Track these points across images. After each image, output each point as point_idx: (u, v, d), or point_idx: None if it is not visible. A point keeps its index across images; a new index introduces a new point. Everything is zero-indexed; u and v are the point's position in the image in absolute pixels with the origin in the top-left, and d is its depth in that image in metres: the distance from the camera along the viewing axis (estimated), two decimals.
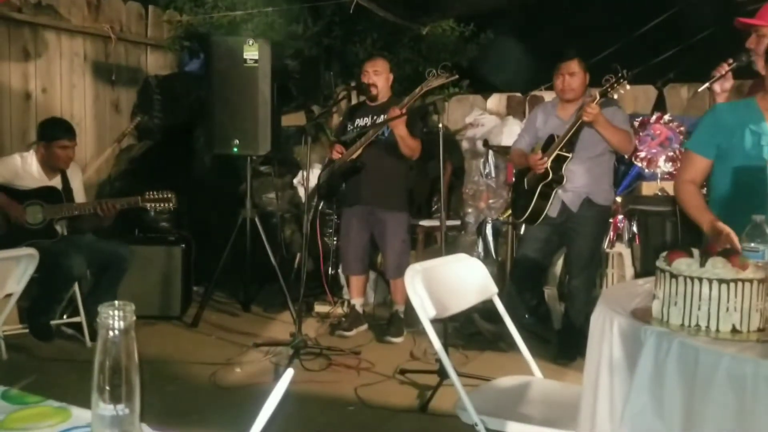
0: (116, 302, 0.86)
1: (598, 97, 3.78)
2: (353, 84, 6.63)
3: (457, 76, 4.18)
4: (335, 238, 5.18)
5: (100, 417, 0.85)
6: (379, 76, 4.51)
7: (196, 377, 3.78)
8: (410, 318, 4.31)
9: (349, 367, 3.95)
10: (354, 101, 6.39)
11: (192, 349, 4.25)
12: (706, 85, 3.13)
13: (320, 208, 5.16)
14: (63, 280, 4.04)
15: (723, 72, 3.05)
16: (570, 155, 3.95)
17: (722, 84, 3.09)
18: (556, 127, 4.06)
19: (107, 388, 0.85)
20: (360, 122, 4.57)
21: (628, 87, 3.77)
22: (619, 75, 3.73)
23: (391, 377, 3.82)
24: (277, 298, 4.85)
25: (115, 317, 0.84)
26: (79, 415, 1.13)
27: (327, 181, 4.61)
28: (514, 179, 4.46)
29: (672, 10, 5.84)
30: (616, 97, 3.81)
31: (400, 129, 4.24)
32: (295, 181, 5.83)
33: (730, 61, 3.05)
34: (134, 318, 0.86)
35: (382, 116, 4.38)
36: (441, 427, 3.17)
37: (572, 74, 3.97)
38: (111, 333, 0.85)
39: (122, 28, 6.05)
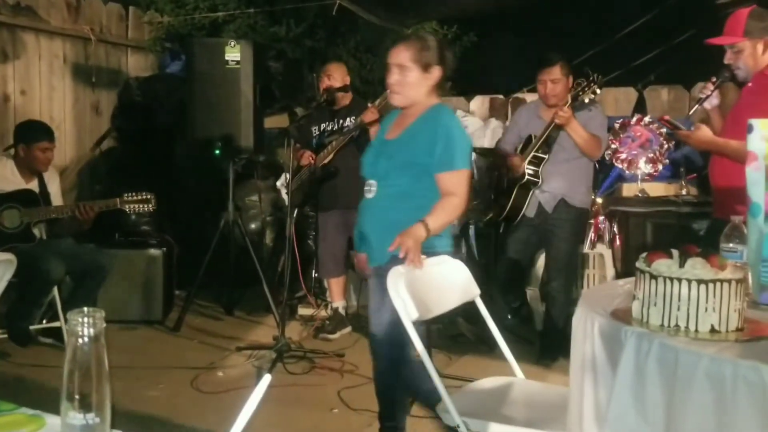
0: (85, 309, 0.84)
1: (569, 101, 3.80)
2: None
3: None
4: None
5: (70, 426, 0.84)
6: (333, 80, 4.51)
7: (178, 382, 3.74)
8: None
9: (332, 370, 3.94)
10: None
11: (174, 354, 4.21)
12: (696, 107, 3.17)
13: (300, 211, 5.13)
14: (41, 285, 3.99)
15: (709, 92, 3.09)
16: (546, 156, 3.98)
17: (710, 102, 3.14)
18: (536, 128, 4.08)
19: (77, 396, 0.83)
20: (326, 126, 4.56)
21: (599, 91, 3.81)
22: (590, 79, 3.74)
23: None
24: (260, 302, 4.82)
25: (84, 324, 0.83)
26: (54, 422, 1.11)
27: (300, 188, 4.60)
28: (496, 181, 4.48)
29: (652, 13, 5.88)
30: (587, 101, 3.83)
31: (376, 127, 4.25)
32: (278, 183, 5.80)
33: (714, 79, 3.09)
34: (104, 325, 0.84)
35: (348, 119, 4.39)
36: (424, 429, 3.17)
37: (555, 81, 3.94)
38: (80, 340, 0.83)
39: (102, 30, 6.00)
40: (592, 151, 3.96)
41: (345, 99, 4.54)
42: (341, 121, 4.46)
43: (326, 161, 4.43)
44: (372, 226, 2.61)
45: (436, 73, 2.58)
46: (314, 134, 4.60)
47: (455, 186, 2.50)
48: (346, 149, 4.40)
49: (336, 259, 4.65)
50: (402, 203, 2.53)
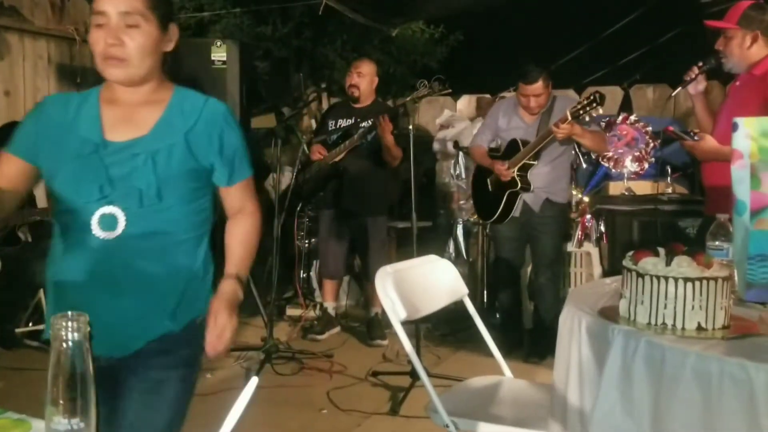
0: (69, 313, 0.83)
1: (569, 117, 3.72)
2: (323, 85, 6.63)
3: (450, 91, 4.15)
4: (306, 241, 5.15)
5: None
6: (362, 78, 4.50)
7: None
8: (386, 319, 4.30)
9: (321, 371, 3.93)
10: (324, 102, 6.38)
11: None
12: (679, 89, 3.18)
13: (291, 211, 5.12)
14: (27, 288, 3.96)
15: (693, 75, 3.10)
16: (535, 162, 4.00)
17: (695, 86, 3.15)
18: (519, 130, 4.09)
19: (61, 401, 0.82)
20: (343, 123, 4.55)
21: (600, 110, 3.82)
22: (591, 99, 3.69)
23: (364, 380, 3.81)
24: (248, 302, 4.78)
25: (68, 328, 0.82)
26: (40, 427, 1.10)
27: (307, 182, 4.59)
28: (474, 177, 4.46)
29: (638, 12, 5.92)
30: (587, 119, 3.85)
31: (389, 138, 4.24)
32: (265, 183, 5.79)
33: (701, 64, 3.11)
34: (89, 329, 0.84)
35: (365, 119, 4.37)
36: (413, 429, 3.17)
37: (539, 95, 3.98)
38: (64, 345, 0.82)
39: (87, 30, 5.93)
40: (602, 146, 4.09)
41: (368, 98, 4.54)
42: (359, 120, 4.43)
43: (337, 159, 4.42)
44: (119, 288, 1.56)
45: (174, 34, 1.69)
46: (329, 128, 4.59)
47: (252, 197, 1.78)
48: (356, 150, 4.39)
49: (337, 260, 4.64)
50: (173, 238, 1.61)
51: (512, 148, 4.06)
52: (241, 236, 1.77)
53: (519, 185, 4.00)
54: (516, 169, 4.00)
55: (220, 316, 1.61)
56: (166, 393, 1.66)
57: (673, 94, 3.31)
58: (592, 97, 3.70)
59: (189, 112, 1.67)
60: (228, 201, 1.74)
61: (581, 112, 3.72)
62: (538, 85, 3.96)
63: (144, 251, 1.56)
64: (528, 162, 3.99)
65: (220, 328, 1.60)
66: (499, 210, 4.09)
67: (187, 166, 1.61)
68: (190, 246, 1.66)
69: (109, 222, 1.54)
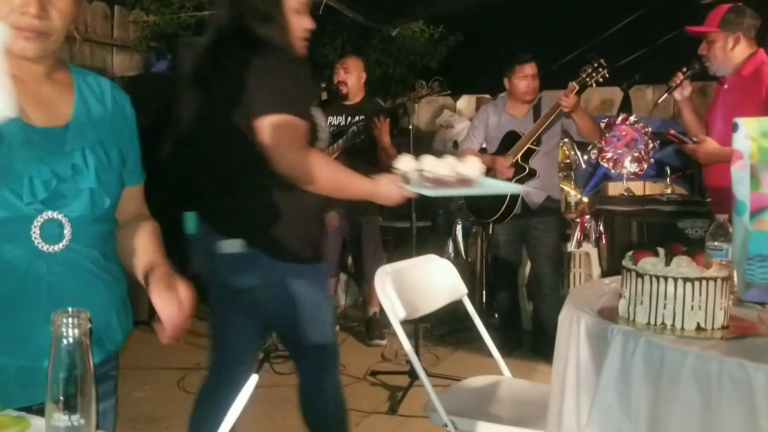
0: (70, 309, 0.84)
1: (577, 87, 3.79)
2: (323, 85, 6.63)
3: (449, 92, 4.17)
4: None
5: (54, 428, 0.83)
6: (349, 74, 4.51)
7: (165, 382, 3.72)
8: (384, 318, 4.30)
9: None
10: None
11: (160, 354, 4.17)
12: (664, 95, 3.20)
13: None
14: None
15: (678, 81, 3.12)
16: (538, 148, 4.00)
17: (681, 92, 3.16)
18: (512, 125, 4.11)
19: (61, 398, 0.83)
20: (333, 120, 4.56)
21: (607, 75, 3.83)
22: (596, 65, 3.76)
23: (362, 379, 3.81)
24: None
25: (68, 325, 0.82)
26: (39, 424, 1.10)
27: None
28: None
29: (637, 13, 5.92)
30: (594, 86, 3.89)
31: (385, 140, 4.24)
32: None
33: (684, 69, 3.13)
34: (89, 326, 0.84)
35: (356, 116, 4.38)
36: (412, 429, 3.17)
37: (534, 76, 4.06)
38: (65, 341, 0.82)
39: (87, 29, 5.94)
40: (596, 133, 4.09)
41: (357, 95, 4.54)
42: (350, 118, 4.43)
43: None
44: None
45: None
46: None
47: (145, 202, 1.55)
48: (348, 149, 4.39)
49: (333, 260, 4.64)
50: (109, 246, 1.39)
51: (509, 141, 4.07)
52: (151, 234, 1.49)
53: (526, 170, 4.00)
54: (519, 156, 3.99)
55: (179, 284, 1.38)
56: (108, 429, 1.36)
57: (660, 101, 3.33)
58: (596, 64, 3.74)
59: (101, 97, 1.37)
60: (128, 204, 1.43)
61: (587, 79, 3.78)
62: (533, 64, 4.06)
63: (90, 265, 1.29)
64: (531, 147, 3.99)
65: (186, 298, 1.39)
66: (506, 202, 4.02)
67: (119, 162, 1.36)
68: (114, 254, 1.40)
69: (53, 230, 1.21)
